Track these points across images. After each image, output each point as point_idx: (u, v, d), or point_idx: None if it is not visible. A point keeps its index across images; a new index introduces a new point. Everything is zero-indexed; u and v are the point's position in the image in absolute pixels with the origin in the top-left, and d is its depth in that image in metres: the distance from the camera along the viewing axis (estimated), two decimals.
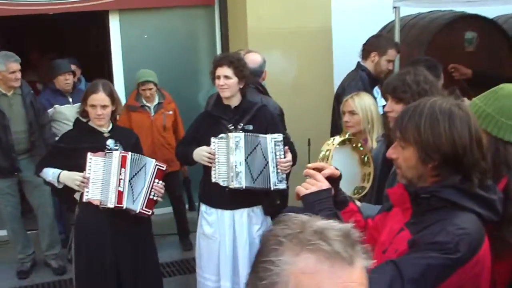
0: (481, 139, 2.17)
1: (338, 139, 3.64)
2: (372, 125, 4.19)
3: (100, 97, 4.25)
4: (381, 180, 3.62)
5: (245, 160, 4.26)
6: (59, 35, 11.10)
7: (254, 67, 4.93)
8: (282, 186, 4.33)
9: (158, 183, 4.31)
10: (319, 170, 2.38)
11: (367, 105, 4.24)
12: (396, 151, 2.23)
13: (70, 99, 6.37)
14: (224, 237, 4.43)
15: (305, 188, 2.30)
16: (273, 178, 4.29)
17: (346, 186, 3.34)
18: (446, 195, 2.10)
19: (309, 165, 2.44)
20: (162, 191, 4.35)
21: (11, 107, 5.79)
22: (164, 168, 4.36)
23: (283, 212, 4.53)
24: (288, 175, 4.42)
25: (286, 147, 4.33)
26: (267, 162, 4.28)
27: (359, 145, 3.74)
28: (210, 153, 4.30)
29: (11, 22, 7.21)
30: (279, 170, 4.30)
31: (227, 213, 4.43)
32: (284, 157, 4.30)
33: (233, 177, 4.25)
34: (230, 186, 4.28)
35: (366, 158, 3.75)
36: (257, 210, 4.47)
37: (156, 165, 4.32)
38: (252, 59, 4.95)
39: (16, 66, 5.71)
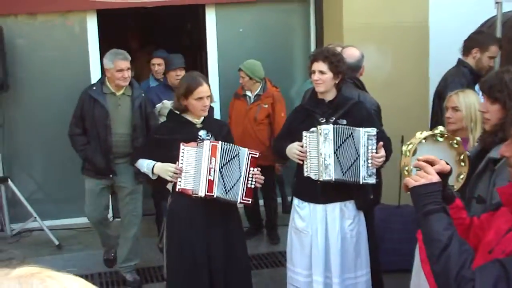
0: None
1: (425, 133, 3.56)
2: (475, 123, 4.08)
3: (206, 89, 4.36)
4: (466, 182, 3.52)
5: (335, 152, 4.23)
6: (154, 29, 11.36)
7: (352, 62, 4.89)
8: (372, 180, 4.28)
9: (254, 170, 4.35)
10: (430, 163, 2.33)
11: (472, 102, 4.13)
12: (509, 149, 2.17)
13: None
14: (316, 231, 4.41)
15: (415, 180, 2.26)
16: (363, 171, 4.24)
17: None
18: None
19: (420, 157, 2.39)
20: (261, 177, 4.39)
21: (117, 108, 5.58)
22: (257, 155, 4.39)
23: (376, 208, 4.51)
24: (378, 170, 4.36)
25: (381, 143, 4.26)
26: (358, 155, 4.23)
27: (455, 142, 3.64)
28: (301, 151, 4.31)
29: (109, 16, 7.43)
30: (369, 164, 4.25)
31: (319, 207, 4.41)
32: (377, 152, 4.25)
33: (322, 170, 4.24)
34: (320, 179, 4.27)
35: (462, 157, 3.64)
36: (350, 204, 4.43)
37: (250, 153, 4.36)
38: (350, 54, 4.91)
39: (124, 64, 5.47)
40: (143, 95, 5.72)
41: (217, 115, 6.94)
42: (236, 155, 4.32)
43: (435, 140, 3.56)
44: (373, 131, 4.24)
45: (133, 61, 10.48)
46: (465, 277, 1.95)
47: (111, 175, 5.60)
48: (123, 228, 5.86)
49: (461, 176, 3.60)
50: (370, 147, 4.24)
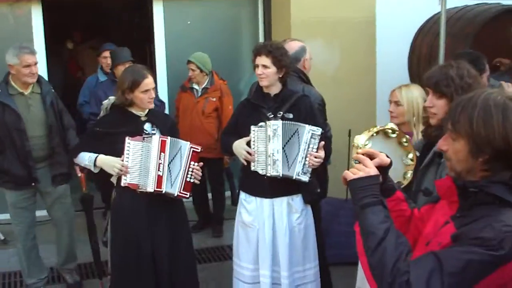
0: None
1: (376, 128, 3.61)
2: (418, 117, 4.13)
3: (151, 80, 4.34)
4: (413, 176, 3.60)
5: (283, 148, 4.26)
6: (101, 22, 11.23)
7: (290, 54, 4.91)
8: (305, 178, 4.29)
9: (194, 165, 4.33)
10: (370, 156, 2.35)
11: (414, 97, 4.18)
12: (447, 143, 2.20)
13: None
14: (263, 225, 4.42)
15: (353, 173, 2.27)
16: (298, 167, 4.26)
17: None
18: (494, 191, 2.06)
19: (360, 150, 2.41)
20: (200, 173, 4.36)
21: (28, 109, 5.09)
22: (199, 150, 4.37)
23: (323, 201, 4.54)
24: (314, 170, 4.37)
25: (322, 143, 4.29)
26: (299, 150, 4.26)
27: (404, 140, 3.69)
28: (248, 152, 4.32)
29: (54, 8, 7.30)
30: (306, 162, 4.27)
31: (266, 202, 4.42)
32: (317, 152, 4.28)
33: (270, 165, 4.26)
34: (268, 174, 4.28)
35: (411, 156, 3.70)
36: (297, 198, 4.46)
37: (191, 147, 4.33)
38: (289, 47, 4.91)
39: (31, 58, 4.99)
40: (53, 90, 5.28)
41: (165, 108, 6.91)
42: (179, 149, 4.30)
43: (387, 136, 3.62)
44: (318, 131, 4.26)
45: (77, 55, 10.41)
46: (400, 270, 1.99)
47: (33, 183, 5.18)
48: (57, 235, 5.56)
49: (408, 174, 3.67)
50: (311, 146, 4.25)
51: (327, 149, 4.41)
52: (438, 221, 2.24)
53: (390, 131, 3.63)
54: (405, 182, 3.67)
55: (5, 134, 5.02)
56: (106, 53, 7.01)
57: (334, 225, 5.89)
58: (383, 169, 2.37)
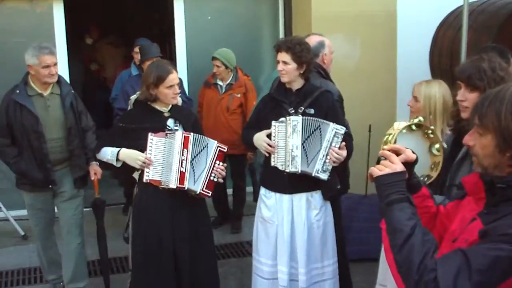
0: None
1: (403, 123, 3.57)
2: (434, 115, 4.04)
3: (176, 76, 4.33)
4: (444, 170, 3.55)
5: (302, 144, 4.23)
6: (121, 18, 11.25)
7: None
8: (324, 176, 4.26)
9: (219, 164, 4.32)
10: (396, 152, 2.33)
11: (433, 94, 4.07)
12: (473, 138, 2.16)
13: None
14: (282, 221, 4.40)
15: (379, 169, 2.24)
16: (318, 165, 4.23)
17: None
18: None
19: (385, 146, 2.37)
20: (224, 173, 4.35)
21: (47, 110, 4.93)
22: (225, 150, 4.36)
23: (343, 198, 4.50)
24: (334, 169, 4.33)
25: (344, 143, 4.25)
26: (320, 148, 4.23)
27: (430, 132, 3.65)
28: (269, 144, 4.30)
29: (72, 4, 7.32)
30: (327, 160, 4.24)
31: (285, 197, 4.40)
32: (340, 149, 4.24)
33: (289, 161, 4.24)
34: (287, 170, 4.27)
35: (437, 146, 3.66)
36: (316, 195, 4.42)
37: (218, 146, 4.33)
38: (308, 41, 4.90)
39: (50, 59, 4.82)
40: (72, 91, 5.09)
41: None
42: (205, 146, 4.29)
43: (411, 129, 3.59)
44: (342, 130, 4.23)
45: (95, 52, 10.41)
46: (427, 267, 1.96)
47: (50, 186, 5.02)
48: (64, 240, 5.23)
49: (436, 166, 3.63)
50: (333, 144, 4.22)
51: (349, 148, 4.36)
52: (465, 217, 2.20)
53: (414, 124, 3.59)
54: (434, 174, 3.63)
55: (23, 136, 4.89)
56: (137, 48, 6.94)
57: (353, 221, 5.87)
58: (409, 165, 2.34)
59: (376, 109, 6.95)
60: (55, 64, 4.88)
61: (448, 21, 6.80)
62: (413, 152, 2.38)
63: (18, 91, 4.88)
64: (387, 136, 3.41)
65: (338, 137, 4.22)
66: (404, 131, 3.48)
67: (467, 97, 3.21)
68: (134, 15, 11.24)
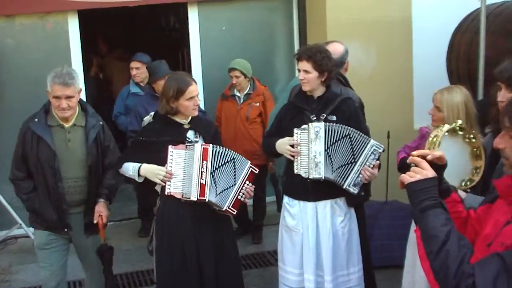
0: None
1: (447, 126, 3.54)
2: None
3: (196, 87, 4.31)
4: (487, 173, 3.50)
5: (326, 150, 4.21)
6: (131, 29, 11.21)
7: (335, 58, 4.86)
8: (354, 190, 4.24)
9: (248, 185, 4.30)
10: (425, 158, 2.29)
11: (455, 103, 4.04)
12: (504, 141, 2.14)
13: None
14: (307, 229, 4.38)
15: (410, 176, 2.22)
16: (351, 178, 4.21)
17: (454, 177, 3.25)
18: None
19: (414, 152, 2.35)
20: (252, 194, 4.34)
21: (66, 144, 4.39)
22: (256, 172, 4.34)
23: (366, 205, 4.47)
24: (369, 187, 4.32)
25: (378, 162, 4.25)
26: (355, 162, 4.20)
27: (472, 136, 3.61)
28: (292, 146, 4.28)
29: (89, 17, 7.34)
30: (361, 176, 4.22)
31: (310, 205, 4.37)
32: (373, 168, 4.23)
33: (312, 168, 4.21)
34: (310, 177, 4.24)
35: (478, 151, 3.62)
36: (340, 202, 4.40)
37: (250, 167, 4.31)
38: (333, 50, 4.87)
39: (60, 90, 4.24)
40: (100, 123, 4.52)
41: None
42: (230, 161, 4.24)
43: (455, 133, 3.56)
44: (380, 148, 4.23)
45: (104, 67, 10.27)
46: (465, 273, 1.93)
47: (65, 229, 4.47)
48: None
49: (478, 169, 3.59)
50: (369, 161, 4.21)
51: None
52: (498, 221, 2.17)
53: (458, 128, 3.57)
54: (476, 179, 3.59)
55: (38, 171, 4.38)
56: (135, 64, 6.88)
57: (375, 229, 5.82)
58: (439, 170, 2.31)
59: (393, 116, 6.92)
60: (68, 97, 4.26)
61: (464, 25, 6.75)
62: (451, 157, 2.35)
63: (36, 120, 4.38)
64: (431, 138, 3.38)
65: (375, 154, 4.21)
66: (447, 134, 3.45)
67: (508, 98, 3.17)
68: (147, 28, 11.24)
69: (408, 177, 2.22)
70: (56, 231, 4.47)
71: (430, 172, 2.21)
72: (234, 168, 4.26)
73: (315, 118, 4.32)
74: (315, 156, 4.20)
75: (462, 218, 2.43)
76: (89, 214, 4.47)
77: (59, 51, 6.98)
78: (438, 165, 2.33)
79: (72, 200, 4.43)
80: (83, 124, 4.45)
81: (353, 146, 4.21)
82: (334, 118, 4.30)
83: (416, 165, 2.26)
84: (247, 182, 4.29)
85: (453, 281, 1.94)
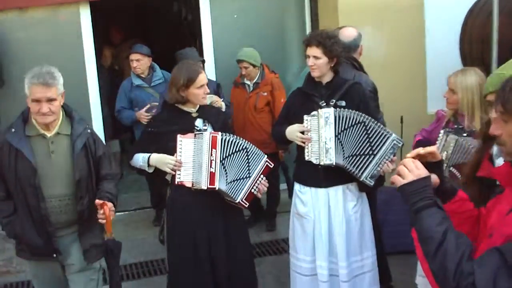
0: None
1: None
2: (472, 106, 4.00)
3: (204, 76, 4.31)
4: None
5: (336, 136, 4.19)
6: (144, 18, 11.17)
7: (349, 41, 4.86)
8: (370, 182, 4.21)
9: (263, 179, 4.29)
10: (419, 156, 2.23)
11: (469, 85, 4.02)
12: (499, 126, 2.07)
13: None
14: (319, 216, 4.36)
15: (402, 175, 2.15)
16: (369, 169, 4.18)
17: None
18: None
19: (408, 154, 2.27)
20: (265, 188, 4.34)
21: (49, 157, 3.77)
22: (272, 166, 4.33)
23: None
24: (379, 178, 4.30)
25: (395, 157, 4.20)
26: (374, 154, 4.16)
27: None
28: (302, 132, 4.27)
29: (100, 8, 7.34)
30: (379, 168, 4.19)
31: (321, 191, 4.36)
32: (391, 162, 4.19)
33: (323, 154, 4.20)
34: (321, 163, 4.22)
35: None
36: (352, 187, 4.38)
37: (266, 161, 4.30)
38: (347, 34, 4.87)
39: (41, 92, 3.65)
40: (88, 131, 3.92)
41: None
42: (242, 150, 4.23)
43: None
44: (400, 143, 4.20)
45: (116, 56, 10.14)
46: (464, 272, 1.88)
47: (54, 255, 3.86)
48: None
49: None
50: (388, 155, 4.18)
51: None
52: (502, 210, 2.11)
53: None
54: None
55: (17, 189, 3.77)
56: (135, 56, 6.70)
57: (389, 215, 5.80)
58: (435, 168, 2.25)
59: (407, 101, 6.88)
60: (50, 100, 3.67)
61: (477, 8, 6.69)
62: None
63: (13, 130, 3.77)
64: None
65: (394, 149, 4.18)
66: None
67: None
68: (158, 18, 11.23)
69: (400, 179, 2.16)
70: (45, 257, 3.88)
71: (423, 171, 2.15)
72: (248, 159, 4.25)
73: (325, 104, 4.30)
74: (325, 142, 4.18)
75: (475, 216, 2.34)
76: (88, 238, 3.91)
77: (72, 43, 7.00)
78: (433, 163, 2.27)
79: (58, 222, 3.81)
80: (68, 132, 3.84)
81: (370, 136, 4.17)
82: (343, 103, 4.28)
83: (405, 166, 2.18)
84: (262, 176, 4.28)
85: (452, 282, 1.89)
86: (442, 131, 4.11)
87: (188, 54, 6.25)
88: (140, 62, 6.69)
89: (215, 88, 6.22)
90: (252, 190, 4.26)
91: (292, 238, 4.57)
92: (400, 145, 4.20)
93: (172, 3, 10.84)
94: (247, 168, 4.25)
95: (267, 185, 4.33)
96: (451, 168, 3.92)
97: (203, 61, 6.19)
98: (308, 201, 4.42)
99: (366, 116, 4.18)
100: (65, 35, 7.04)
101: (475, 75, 4.08)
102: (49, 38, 6.99)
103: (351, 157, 4.20)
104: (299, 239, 4.48)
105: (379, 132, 4.17)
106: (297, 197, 4.48)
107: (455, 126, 4.13)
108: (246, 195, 4.24)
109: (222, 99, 6.03)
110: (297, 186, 4.51)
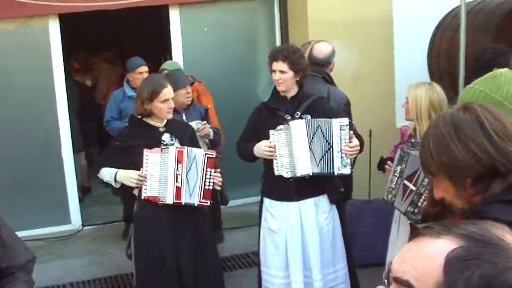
0: (502, 128, 1.91)
1: None
2: (420, 116, 4.15)
3: (170, 90, 4.31)
4: None
5: (309, 146, 4.20)
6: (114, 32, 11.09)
7: (322, 57, 4.89)
8: (346, 171, 4.25)
9: (211, 171, 4.27)
10: None
11: (419, 96, 4.17)
12: (438, 189, 2.02)
13: (184, 116, 5.55)
14: (292, 229, 4.36)
15: None
16: (337, 162, 4.21)
17: None
18: (494, 214, 1.79)
19: None
20: (220, 178, 4.32)
21: None
22: (214, 156, 4.31)
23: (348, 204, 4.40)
24: (354, 160, 4.34)
25: (351, 132, 4.25)
26: (331, 146, 4.21)
27: None
28: (270, 147, 4.26)
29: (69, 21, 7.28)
30: (343, 155, 4.21)
31: (293, 205, 4.36)
32: (350, 142, 4.22)
33: (297, 165, 4.20)
34: (297, 175, 4.22)
35: None
36: (323, 199, 4.41)
37: (206, 153, 4.29)
38: (320, 50, 4.89)
39: None
40: None
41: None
42: (194, 157, 4.25)
43: None
44: (345, 121, 4.23)
45: (91, 68, 10.03)
46: None
47: None
48: None
49: None
50: (343, 138, 4.21)
51: (358, 138, 4.36)
52: None
53: None
54: None
55: None
56: (145, 68, 6.47)
57: (358, 227, 5.82)
58: None
59: (375, 114, 6.91)
60: None
61: (445, 23, 6.77)
62: None
63: None
64: None
65: (344, 129, 4.21)
66: None
67: None
68: (129, 30, 11.17)
69: None
70: None
71: None
72: (196, 163, 4.25)
73: (290, 117, 4.31)
74: (300, 153, 4.19)
75: None
76: None
77: (40, 54, 6.92)
78: None
79: None
80: None
81: (324, 133, 4.22)
82: (309, 117, 4.29)
83: None
84: (209, 169, 4.25)
85: None
86: (400, 147, 4.20)
87: (178, 76, 5.71)
88: (143, 75, 6.35)
89: (203, 113, 5.81)
90: (206, 187, 4.24)
91: (264, 253, 4.54)
92: (346, 123, 4.23)
93: (144, 16, 10.80)
94: (196, 171, 4.25)
95: (219, 175, 4.30)
96: (404, 181, 3.97)
97: (192, 83, 6.01)
98: (279, 215, 4.41)
99: (319, 119, 4.23)
100: (34, 47, 6.95)
101: (428, 87, 4.25)
102: (18, 51, 6.90)
103: (320, 161, 4.22)
104: (271, 254, 4.46)
105: (325, 124, 4.22)
106: (268, 212, 4.47)
107: (413, 140, 4.22)
108: (201, 195, 4.23)
109: (209, 126, 5.69)
110: (267, 201, 4.49)
